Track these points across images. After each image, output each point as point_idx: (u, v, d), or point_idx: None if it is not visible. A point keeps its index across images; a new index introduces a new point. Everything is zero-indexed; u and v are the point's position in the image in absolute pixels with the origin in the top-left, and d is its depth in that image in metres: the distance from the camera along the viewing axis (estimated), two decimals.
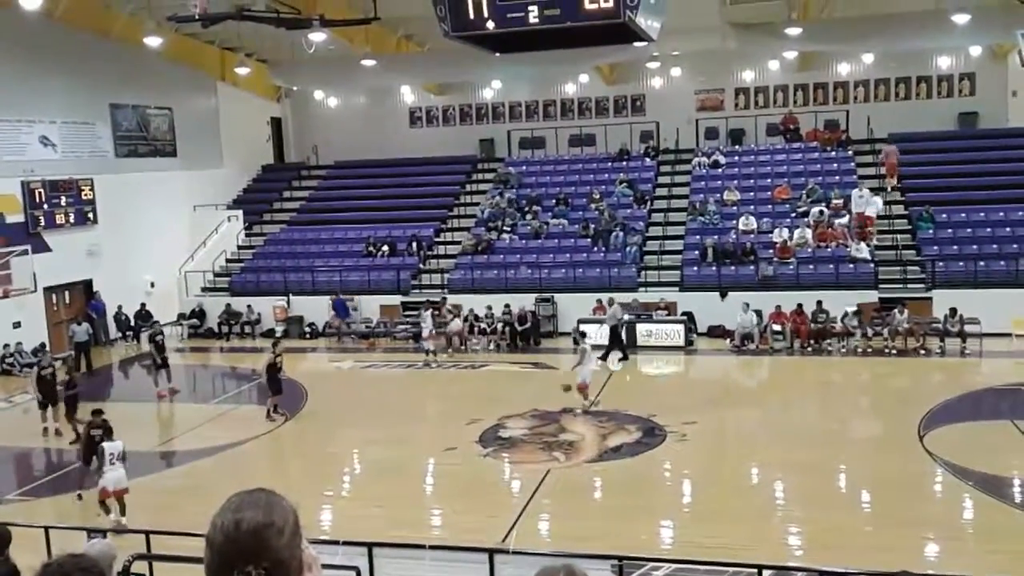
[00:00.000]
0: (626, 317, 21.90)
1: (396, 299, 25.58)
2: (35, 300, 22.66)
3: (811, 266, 23.59)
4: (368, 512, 12.27)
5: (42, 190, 23.28)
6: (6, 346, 21.83)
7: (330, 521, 12.10)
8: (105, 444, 12.50)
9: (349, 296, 25.44)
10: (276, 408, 17.25)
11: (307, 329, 25.54)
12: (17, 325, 22.13)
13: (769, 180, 27.74)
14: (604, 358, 21.35)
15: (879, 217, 24.87)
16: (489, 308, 23.56)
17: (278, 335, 23.61)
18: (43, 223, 23.28)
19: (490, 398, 18.83)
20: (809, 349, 21.39)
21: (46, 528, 8.67)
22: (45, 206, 23.39)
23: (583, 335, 18.13)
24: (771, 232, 24.87)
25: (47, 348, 22.38)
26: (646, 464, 14.06)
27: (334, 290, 25.65)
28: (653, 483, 13.53)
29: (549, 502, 12.62)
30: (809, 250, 24.11)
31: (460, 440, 15.25)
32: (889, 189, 26.27)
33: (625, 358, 21.27)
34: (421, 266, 26.95)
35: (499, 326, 23.33)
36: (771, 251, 24.14)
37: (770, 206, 26.47)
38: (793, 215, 25.57)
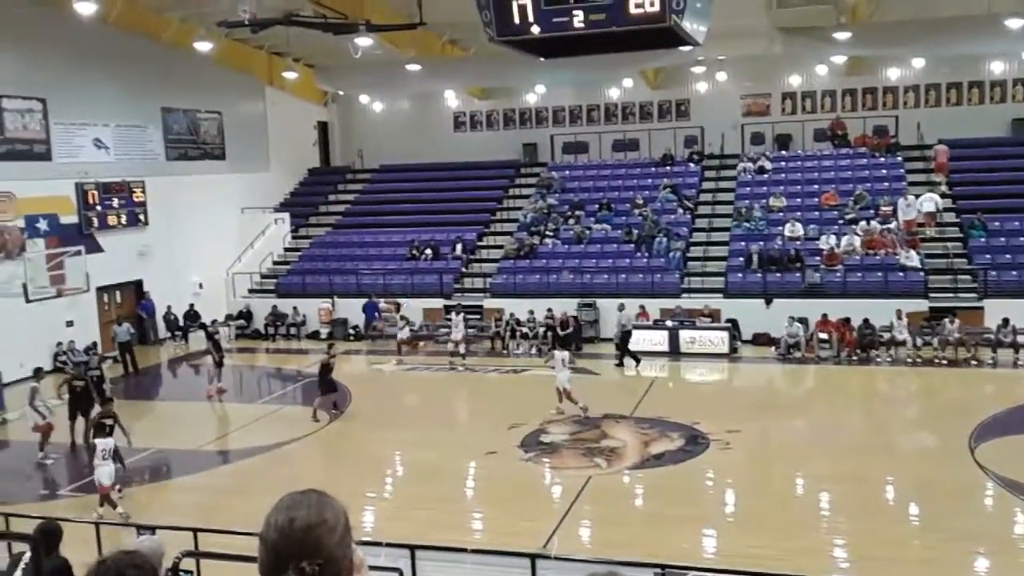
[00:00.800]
0: (632, 325, 21.88)
1: (439, 302, 25.70)
2: (88, 299, 23.17)
3: (859, 274, 23.21)
4: (409, 514, 12.33)
5: (95, 192, 23.82)
6: (59, 344, 22.34)
7: (372, 522, 12.18)
8: (97, 441, 12.80)
9: (394, 301, 25.61)
10: (333, 406, 17.61)
11: (351, 331, 25.77)
12: (70, 324, 22.64)
13: (816, 186, 27.38)
14: (620, 364, 21.28)
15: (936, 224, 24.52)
16: (531, 313, 23.56)
17: (326, 337, 23.80)
18: (96, 224, 23.81)
19: (531, 403, 18.81)
20: (855, 359, 21.06)
21: (96, 524, 8.85)
22: (98, 207, 23.93)
23: (566, 345, 18.73)
24: (818, 239, 24.53)
25: (99, 347, 22.93)
26: (689, 472, 13.94)
27: (371, 293, 25.87)
28: (696, 491, 13.41)
29: (590, 508, 12.58)
30: (857, 257, 23.74)
31: (501, 444, 15.27)
32: (942, 189, 25.83)
33: (638, 363, 21.28)
34: (464, 270, 27.05)
35: (541, 331, 23.32)
36: (818, 258, 23.81)
37: (817, 212, 26.11)
38: (841, 222, 25.20)
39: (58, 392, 16.96)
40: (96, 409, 15.90)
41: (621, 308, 22.06)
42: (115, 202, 24.46)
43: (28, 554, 6.56)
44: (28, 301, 21.09)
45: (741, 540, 11.27)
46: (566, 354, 17.51)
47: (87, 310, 23.35)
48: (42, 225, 22.25)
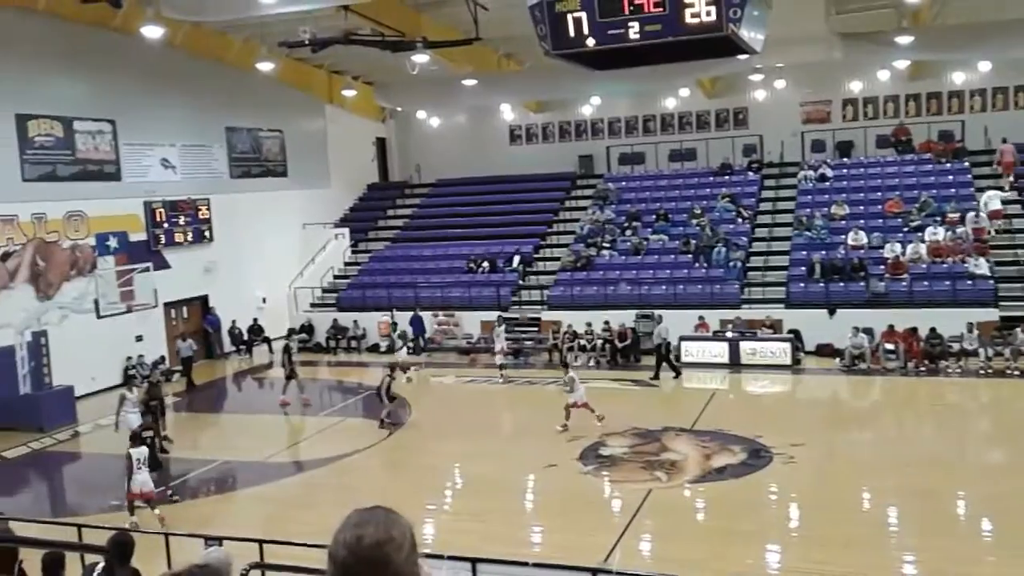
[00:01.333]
0: (669, 338, 21.74)
1: (496, 315, 25.76)
2: (156, 315, 23.80)
3: (926, 283, 22.64)
4: (469, 527, 12.37)
5: (163, 210, 24.50)
6: (129, 358, 22.98)
7: (432, 534, 12.25)
8: (132, 450, 13.07)
9: (449, 312, 25.80)
10: (387, 416, 17.97)
11: (410, 344, 25.99)
12: (139, 338, 23.29)
13: (879, 193, 26.82)
14: (656, 376, 21.04)
15: (1001, 231, 23.83)
16: (589, 325, 23.49)
17: (385, 350, 24.09)
18: (163, 241, 24.48)
19: (590, 415, 18.74)
20: (923, 370, 20.52)
21: (166, 535, 9.07)
22: (165, 225, 24.61)
23: (566, 365, 18.32)
24: (882, 247, 24.01)
25: (166, 361, 23.54)
26: (752, 486, 13.72)
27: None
28: (759, 506, 13.18)
29: (651, 522, 12.46)
30: (923, 266, 23.17)
31: (560, 457, 15.23)
32: (1007, 188, 25.13)
33: (677, 375, 21.15)
34: (521, 282, 27.11)
35: (599, 343, 23.23)
36: (882, 267, 23.30)
37: (881, 220, 25.57)
38: (906, 229, 24.63)
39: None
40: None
41: (659, 320, 21.97)
42: (181, 219, 25.12)
43: (101, 565, 6.74)
44: (99, 317, 21.76)
45: (806, 555, 11.06)
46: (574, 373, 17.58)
47: (155, 325, 23.98)
48: (112, 243, 22.95)
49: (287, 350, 21.13)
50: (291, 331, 25.79)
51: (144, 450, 13.17)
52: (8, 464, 16.83)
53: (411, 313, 25.82)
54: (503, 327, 23.23)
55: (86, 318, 21.55)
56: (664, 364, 21.28)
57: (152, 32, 20.42)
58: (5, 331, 19.37)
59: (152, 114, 24.12)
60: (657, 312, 22.70)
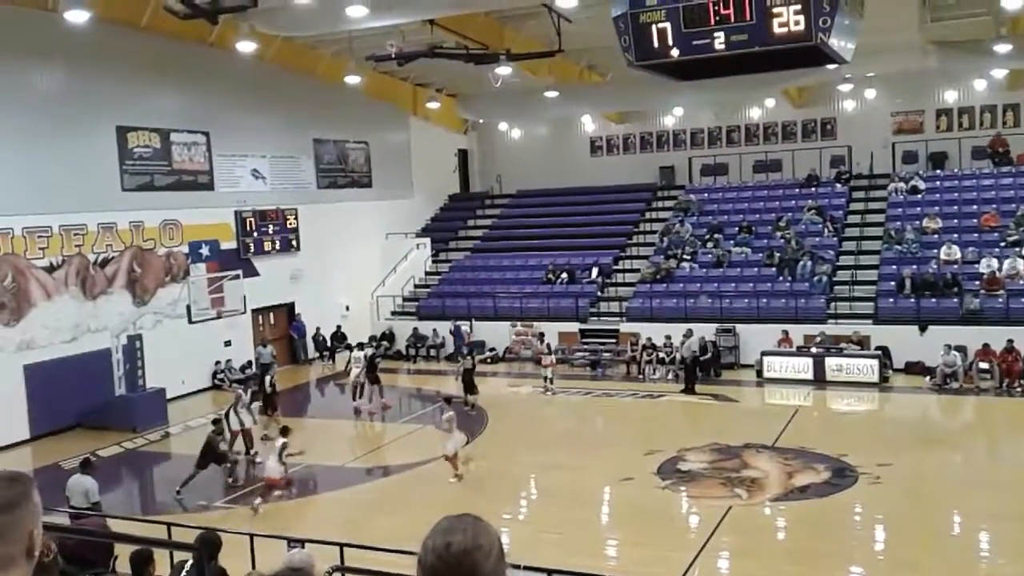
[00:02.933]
0: (697, 351, 21.60)
1: (575, 326, 25.74)
2: (244, 321, 24.51)
3: (1023, 299, 21.70)
4: (545, 538, 12.35)
5: (252, 219, 25.25)
6: (217, 363, 23.71)
7: (508, 544, 12.24)
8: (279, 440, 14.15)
9: (527, 323, 25.89)
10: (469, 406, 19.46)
11: (489, 354, 26.15)
12: (228, 344, 24.01)
13: (975, 207, 25.85)
14: (690, 391, 20.70)
15: None
16: (667, 337, 23.24)
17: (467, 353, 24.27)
18: (252, 249, 25.22)
19: (669, 429, 18.54)
20: (1020, 390, 19.65)
21: (251, 535, 9.31)
22: (255, 234, 25.34)
23: (449, 400, 17.29)
24: (977, 262, 23.12)
25: (253, 366, 24.15)
26: (836, 506, 13.35)
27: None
28: (843, 527, 12.82)
29: (730, 540, 12.24)
30: (1022, 282, 22.21)
31: (637, 470, 15.09)
32: None
33: (689, 391, 20.95)
34: (600, 294, 27.01)
35: (678, 356, 22.94)
36: (977, 283, 22.43)
37: (976, 234, 24.63)
38: (1002, 244, 23.66)
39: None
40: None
41: (688, 334, 21.61)
42: (270, 228, 25.83)
43: (190, 562, 6.97)
44: (191, 322, 22.51)
45: None
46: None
47: (244, 331, 24.69)
48: (204, 251, 23.75)
49: (372, 358, 21.46)
50: (372, 338, 26.31)
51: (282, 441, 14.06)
52: (102, 462, 17.50)
53: (477, 323, 26.29)
54: (548, 343, 23.60)
55: (178, 323, 22.34)
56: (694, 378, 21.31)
57: (246, 47, 21.12)
58: (102, 335, 20.23)
59: (244, 126, 24.91)
60: (688, 327, 22.34)
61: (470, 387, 20.44)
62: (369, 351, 21.65)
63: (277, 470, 13.85)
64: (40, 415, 18.97)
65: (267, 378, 19.86)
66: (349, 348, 25.05)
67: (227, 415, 16.97)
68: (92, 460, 13.02)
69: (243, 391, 17.99)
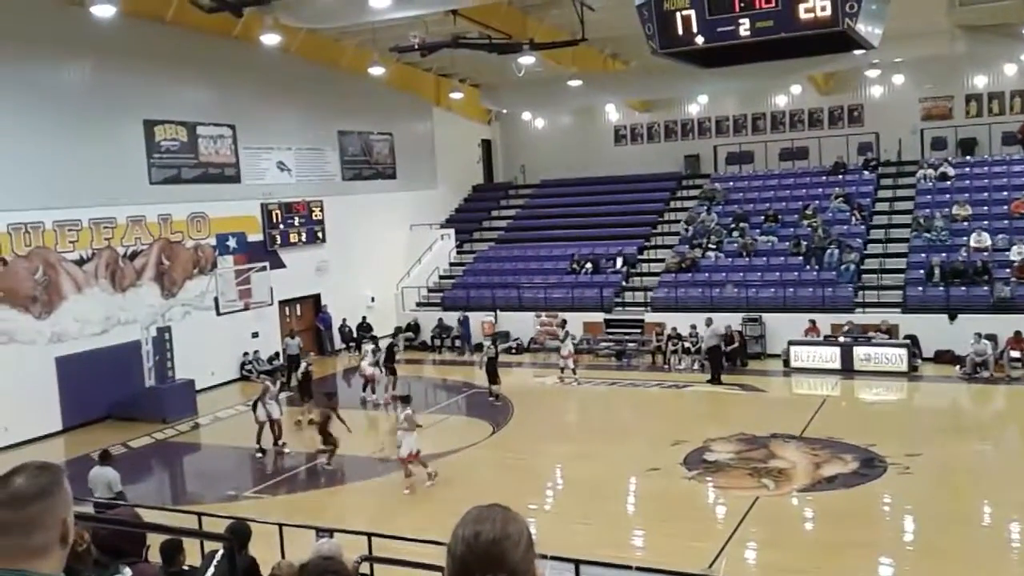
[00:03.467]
0: (719, 340, 21.48)
1: (599, 316, 25.69)
2: (271, 312, 24.71)
3: None
4: (571, 528, 12.37)
5: (278, 211, 25.41)
6: (245, 354, 23.92)
7: (535, 534, 12.28)
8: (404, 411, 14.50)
9: (552, 313, 25.88)
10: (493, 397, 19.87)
11: (513, 344, 26.17)
12: (255, 335, 24.21)
13: (1005, 193, 25.46)
14: (716, 380, 20.64)
15: None
16: (693, 327, 23.13)
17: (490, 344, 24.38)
18: (279, 241, 25.38)
19: (695, 419, 18.49)
20: None
21: (280, 525, 9.41)
22: (281, 226, 25.50)
23: (407, 399, 15.44)
24: (1008, 250, 22.79)
25: (280, 356, 24.31)
26: (864, 497, 13.25)
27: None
28: (872, 517, 12.72)
29: (757, 531, 12.19)
30: None
31: (664, 461, 15.06)
32: None
33: (716, 381, 20.75)
34: (624, 283, 26.93)
35: (703, 345, 22.83)
36: (1008, 270, 22.12)
37: (1006, 221, 24.26)
38: None
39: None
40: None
41: (709, 323, 21.47)
42: (296, 221, 25.98)
43: (220, 551, 7.04)
44: (219, 314, 22.74)
45: (922, 570, 10.62)
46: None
47: (271, 322, 24.88)
48: (231, 243, 23.94)
49: (390, 348, 21.71)
50: (397, 328, 26.61)
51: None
52: (134, 453, 17.77)
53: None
54: (568, 331, 23.66)
55: (206, 315, 22.56)
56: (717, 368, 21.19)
57: (270, 40, 21.21)
58: (132, 327, 20.48)
59: (269, 118, 25.05)
60: (708, 315, 22.20)
61: (493, 376, 20.52)
62: (385, 342, 21.91)
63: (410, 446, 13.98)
64: (72, 407, 19.24)
65: (303, 364, 20.01)
66: (374, 339, 25.25)
67: (255, 406, 17.14)
68: (111, 452, 13.19)
69: (271, 382, 18.16)
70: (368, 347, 22.18)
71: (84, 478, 12.20)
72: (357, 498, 14.86)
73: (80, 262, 20.07)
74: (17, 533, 1.92)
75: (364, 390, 21.09)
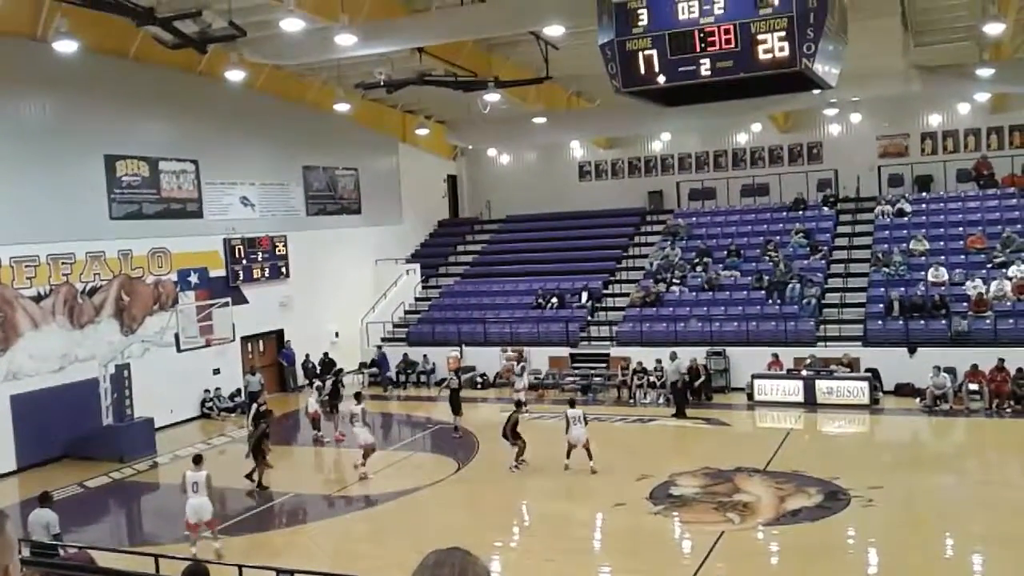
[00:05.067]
0: (685, 374, 21.80)
1: (565, 351, 25.71)
2: (233, 349, 24.39)
3: (1011, 320, 21.83)
4: (537, 565, 12.26)
5: (241, 247, 25.20)
6: (207, 391, 23.56)
7: (499, 572, 12.18)
8: (188, 472, 13.29)
9: (517, 348, 25.86)
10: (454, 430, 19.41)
11: (479, 379, 26.07)
12: (216, 372, 23.87)
13: (961, 228, 26.05)
14: (681, 415, 20.82)
15: None
16: (658, 362, 23.23)
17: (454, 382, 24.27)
18: (242, 277, 25.14)
19: (660, 454, 18.51)
20: (1009, 410, 19.71)
21: (239, 566, 9.22)
22: (244, 261, 25.28)
23: (359, 396, 17.96)
24: (964, 284, 23.27)
25: (242, 393, 23.95)
26: (828, 530, 13.31)
27: (505, 341, 26.42)
28: (836, 550, 12.77)
29: (723, 565, 12.18)
30: (1009, 303, 22.35)
31: (629, 496, 15.02)
32: None
33: (681, 415, 20.93)
34: (590, 318, 27.02)
35: (669, 380, 22.91)
36: (965, 304, 22.56)
37: (963, 256, 24.80)
38: (989, 266, 23.84)
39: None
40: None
41: (673, 357, 21.70)
42: (259, 256, 25.78)
43: None
44: (179, 351, 22.38)
45: None
46: (579, 411, 17.05)
47: (233, 358, 24.55)
48: (193, 278, 23.67)
49: (335, 386, 21.67)
50: (362, 364, 26.40)
51: (202, 474, 13.31)
52: (90, 493, 17.34)
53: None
54: (523, 364, 23.97)
55: (166, 352, 22.20)
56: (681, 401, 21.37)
57: (235, 75, 21.16)
58: (90, 364, 20.09)
59: (233, 154, 24.93)
60: (672, 350, 22.41)
61: (456, 407, 20.40)
62: (330, 381, 21.91)
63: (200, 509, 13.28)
64: (27, 446, 18.78)
65: (256, 405, 19.51)
66: (320, 378, 24.90)
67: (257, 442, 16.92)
68: (50, 494, 12.84)
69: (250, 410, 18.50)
70: (313, 386, 22.23)
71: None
72: (320, 537, 14.60)
73: (37, 298, 19.70)
74: None
75: (314, 429, 20.71)
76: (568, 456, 16.64)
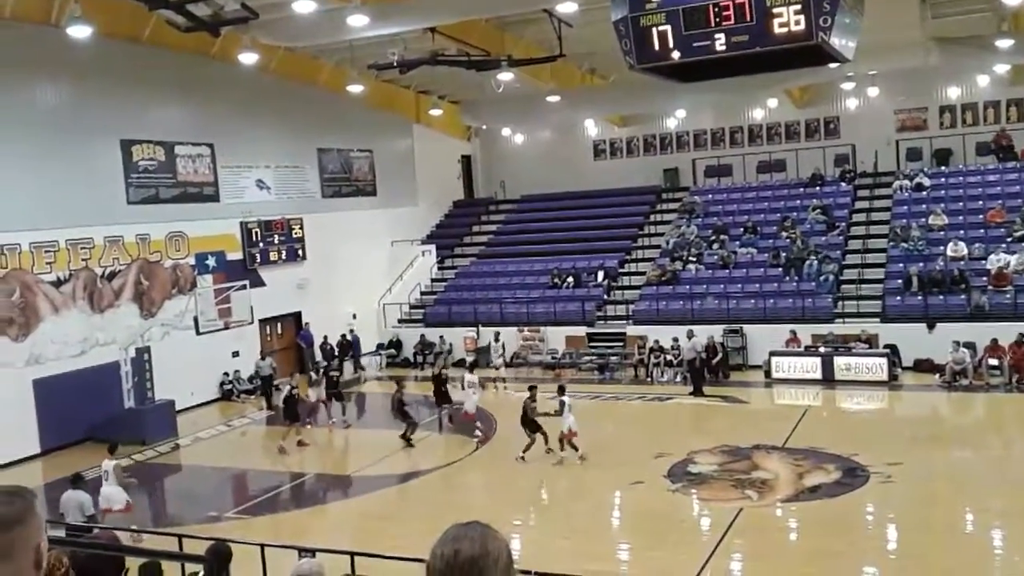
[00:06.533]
0: (701, 352, 21.78)
1: (582, 330, 25.72)
2: (252, 331, 24.52)
3: None
4: (556, 543, 12.33)
5: (258, 229, 25.29)
6: (225, 374, 23.74)
7: (518, 550, 12.26)
8: (104, 462, 13.43)
9: (534, 328, 25.87)
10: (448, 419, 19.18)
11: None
12: (236, 354, 24.03)
13: (980, 203, 25.78)
14: (698, 393, 20.81)
15: None
16: (675, 340, 23.20)
17: (470, 364, 24.31)
18: (259, 260, 25.25)
19: (678, 432, 18.52)
20: None
21: (262, 545, 9.31)
22: (260, 244, 25.38)
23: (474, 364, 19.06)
24: (984, 258, 23.05)
25: (276, 374, 24.04)
26: (847, 506, 13.31)
27: (522, 321, 26.42)
28: (855, 526, 12.77)
29: (741, 542, 12.20)
30: None
31: (647, 474, 15.05)
32: None
33: (699, 393, 20.87)
34: (606, 297, 27.00)
35: (684, 358, 22.89)
36: (984, 279, 22.36)
37: (982, 230, 24.55)
38: (1009, 239, 23.59)
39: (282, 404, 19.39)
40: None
41: (690, 335, 21.65)
42: (276, 239, 25.87)
43: (201, 573, 6.98)
44: (198, 333, 22.56)
45: None
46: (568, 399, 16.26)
47: (251, 341, 24.70)
48: (211, 262, 23.79)
49: (327, 373, 21.57)
50: (379, 346, 26.44)
51: (112, 463, 13.40)
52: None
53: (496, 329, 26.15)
54: (501, 342, 24.57)
55: (186, 335, 22.37)
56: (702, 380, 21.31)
57: (248, 58, 21.19)
58: (111, 348, 20.28)
59: (248, 137, 24.98)
60: (689, 327, 22.36)
61: (442, 397, 19.62)
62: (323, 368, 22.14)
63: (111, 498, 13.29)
64: (50, 429, 19.01)
65: (287, 388, 19.49)
66: (355, 357, 25.08)
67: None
68: (82, 475, 13.00)
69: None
70: (313, 374, 22.28)
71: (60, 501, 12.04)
72: (341, 517, 14.74)
73: (57, 283, 19.88)
74: None
75: (309, 416, 20.58)
76: (563, 447, 15.98)
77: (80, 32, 17.42)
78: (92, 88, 20.69)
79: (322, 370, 22.16)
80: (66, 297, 20.03)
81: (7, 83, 18.87)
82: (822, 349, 21.83)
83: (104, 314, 20.83)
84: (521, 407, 16.76)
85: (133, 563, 7.93)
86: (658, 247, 28.55)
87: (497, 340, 24.62)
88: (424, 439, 18.78)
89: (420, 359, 27.16)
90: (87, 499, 12.13)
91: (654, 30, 9.11)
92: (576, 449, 15.90)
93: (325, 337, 26.95)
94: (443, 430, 19.14)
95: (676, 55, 9.15)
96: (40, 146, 19.47)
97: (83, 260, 20.48)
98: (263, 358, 23.77)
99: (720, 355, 22.56)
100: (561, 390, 16.71)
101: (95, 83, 20.66)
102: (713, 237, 27.49)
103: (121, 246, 21.45)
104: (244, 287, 23.05)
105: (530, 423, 16.46)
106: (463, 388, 19.41)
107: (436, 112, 31.33)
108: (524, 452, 16.38)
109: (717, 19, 8.82)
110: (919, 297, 22.44)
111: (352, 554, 8.96)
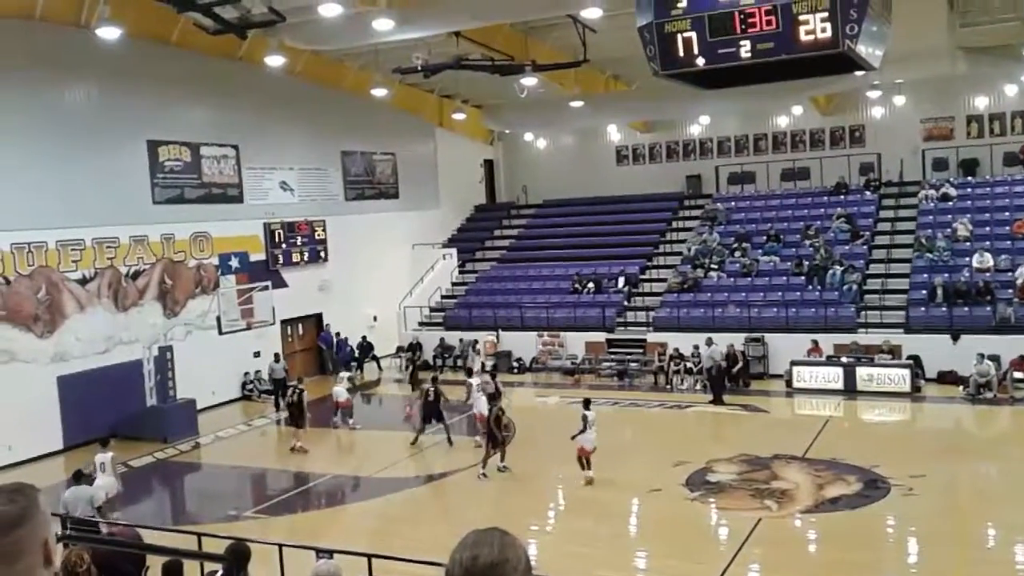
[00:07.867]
0: (721, 360, 21.54)
1: (602, 336, 25.67)
2: (273, 332, 24.68)
3: None
4: (573, 550, 12.31)
5: (281, 231, 25.46)
6: (246, 374, 23.88)
7: (535, 556, 12.23)
8: (97, 455, 13.71)
9: (554, 333, 25.84)
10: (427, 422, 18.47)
11: (515, 364, 26.13)
12: (257, 355, 24.17)
13: (1007, 213, 25.48)
14: (718, 401, 20.59)
15: None
16: (695, 347, 23.08)
17: (490, 369, 24.29)
18: (281, 261, 25.41)
19: (697, 440, 18.44)
20: None
21: (280, 545, 9.36)
22: (283, 245, 25.55)
23: (495, 369, 19.20)
24: (1011, 270, 22.78)
25: (288, 376, 24.12)
26: (868, 518, 13.17)
27: (542, 326, 26.39)
28: (876, 539, 12.65)
29: (760, 552, 12.12)
30: None
31: (666, 482, 14.99)
32: None
33: (718, 402, 20.75)
34: (626, 303, 26.93)
35: (704, 366, 22.77)
36: (1010, 291, 22.09)
37: (1009, 242, 24.26)
38: None
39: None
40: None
41: (709, 343, 21.47)
42: (298, 240, 26.03)
43: (220, 572, 7.02)
44: (221, 333, 22.73)
45: None
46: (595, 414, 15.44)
47: (273, 341, 24.84)
48: (234, 263, 23.97)
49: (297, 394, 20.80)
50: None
51: (108, 455, 13.82)
52: (134, 473, 17.70)
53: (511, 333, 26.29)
54: (478, 350, 25.28)
55: (208, 334, 22.55)
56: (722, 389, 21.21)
57: (274, 61, 21.36)
58: (134, 346, 20.48)
59: (272, 139, 25.17)
60: (708, 335, 22.21)
61: (436, 417, 18.33)
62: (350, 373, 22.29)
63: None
64: (73, 426, 19.20)
65: (292, 388, 19.55)
66: (375, 359, 25.10)
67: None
68: (83, 471, 13.10)
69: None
70: (344, 373, 22.31)
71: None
72: (358, 518, 14.79)
73: (83, 281, 20.10)
74: (1, 561, 1.88)
75: (335, 415, 20.56)
76: (584, 467, 15.01)
77: (109, 34, 17.63)
78: (120, 89, 20.92)
79: (347, 376, 22.25)
80: (91, 295, 20.25)
81: (36, 83, 19.12)
82: (844, 359, 21.65)
83: (128, 312, 21.03)
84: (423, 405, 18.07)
85: (155, 561, 7.99)
86: (680, 254, 28.44)
87: (473, 347, 25.45)
88: (443, 441, 18.78)
89: (440, 362, 27.20)
90: (95, 492, 12.28)
91: (679, 36, 9.10)
92: (588, 468, 15.08)
93: (345, 339, 27.01)
94: (452, 434, 18.86)
95: (701, 62, 9.13)
96: (68, 146, 19.71)
97: (108, 259, 20.70)
98: (276, 360, 23.85)
99: (741, 363, 22.42)
100: (586, 404, 15.78)
101: (123, 84, 20.89)
102: (735, 245, 27.35)
103: (146, 245, 21.66)
104: (266, 288, 23.20)
105: (497, 427, 15.87)
106: (472, 392, 19.24)
107: (459, 116, 31.42)
108: (483, 466, 15.84)
109: (743, 26, 8.80)
110: (943, 308, 22.22)
111: (369, 556, 8.98)
